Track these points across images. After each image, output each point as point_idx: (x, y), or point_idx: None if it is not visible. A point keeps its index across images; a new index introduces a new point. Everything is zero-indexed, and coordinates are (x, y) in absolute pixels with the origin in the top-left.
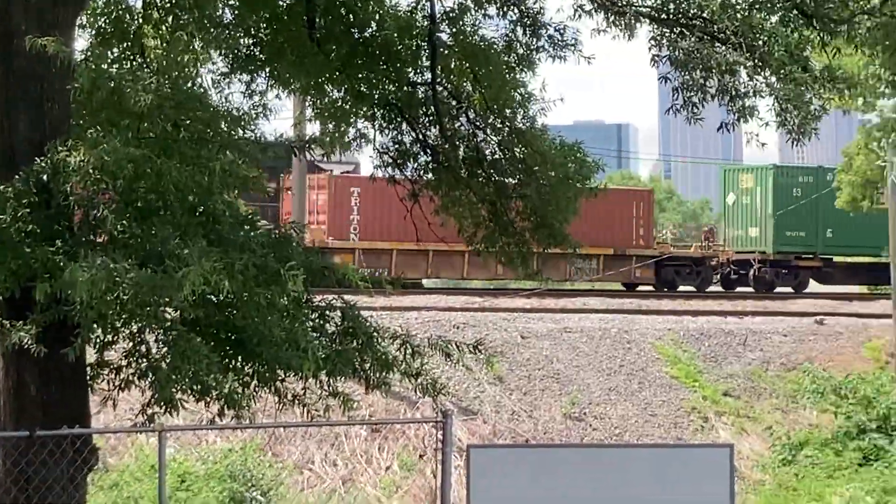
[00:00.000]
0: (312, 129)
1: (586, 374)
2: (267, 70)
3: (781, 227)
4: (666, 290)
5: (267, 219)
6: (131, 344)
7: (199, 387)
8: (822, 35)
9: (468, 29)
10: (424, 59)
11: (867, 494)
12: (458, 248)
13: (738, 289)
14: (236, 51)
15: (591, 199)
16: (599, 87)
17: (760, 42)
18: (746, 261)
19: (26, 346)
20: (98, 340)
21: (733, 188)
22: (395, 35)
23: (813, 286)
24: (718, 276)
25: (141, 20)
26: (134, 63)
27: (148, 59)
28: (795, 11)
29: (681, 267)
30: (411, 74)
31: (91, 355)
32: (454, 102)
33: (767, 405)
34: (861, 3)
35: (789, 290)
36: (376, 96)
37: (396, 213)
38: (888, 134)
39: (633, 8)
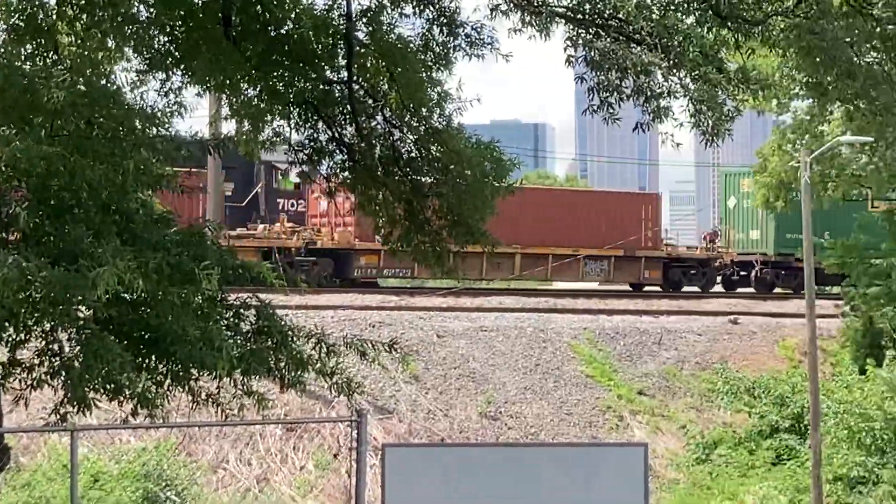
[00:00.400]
0: (228, 127)
1: (502, 373)
2: (182, 68)
3: (782, 230)
4: (671, 290)
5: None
6: (44, 343)
7: (112, 386)
8: (736, 36)
9: (385, 28)
10: (341, 57)
11: (780, 493)
12: (477, 250)
13: (739, 289)
14: (152, 49)
15: (602, 203)
16: (517, 87)
17: (675, 43)
18: (749, 262)
19: None
20: (10, 339)
21: (734, 192)
22: (311, 33)
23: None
24: (720, 277)
25: (55, 17)
26: (47, 60)
27: (62, 57)
28: (710, 12)
29: (687, 268)
30: (327, 73)
31: (3, 354)
32: (370, 101)
33: (682, 404)
34: (775, 4)
35: (789, 290)
36: (292, 94)
37: None
38: (802, 135)
39: (549, 8)
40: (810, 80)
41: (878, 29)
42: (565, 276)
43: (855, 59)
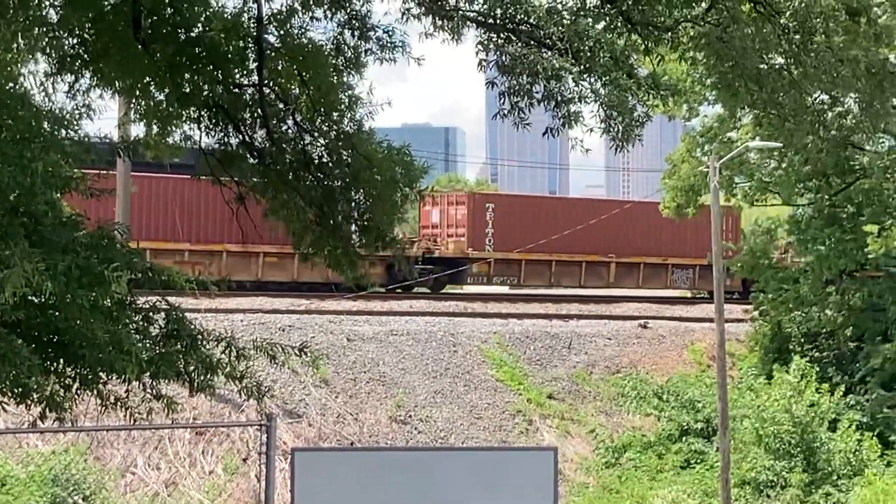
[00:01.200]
0: (138, 130)
1: (412, 377)
2: (91, 70)
3: None
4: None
5: None
6: None
7: (19, 389)
8: (646, 42)
9: (296, 31)
10: (251, 60)
11: (689, 497)
12: (577, 259)
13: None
14: (61, 51)
15: (689, 218)
16: (428, 91)
17: (586, 48)
18: None
19: None
20: None
21: None
22: (222, 36)
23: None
24: None
25: None
26: None
27: None
28: (621, 19)
29: None
30: (238, 76)
31: None
32: (281, 105)
33: (592, 408)
34: (685, 11)
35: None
36: (202, 98)
37: (524, 226)
38: (711, 140)
39: (460, 13)
40: (721, 82)
41: (787, 36)
42: (654, 285)
43: (764, 65)
